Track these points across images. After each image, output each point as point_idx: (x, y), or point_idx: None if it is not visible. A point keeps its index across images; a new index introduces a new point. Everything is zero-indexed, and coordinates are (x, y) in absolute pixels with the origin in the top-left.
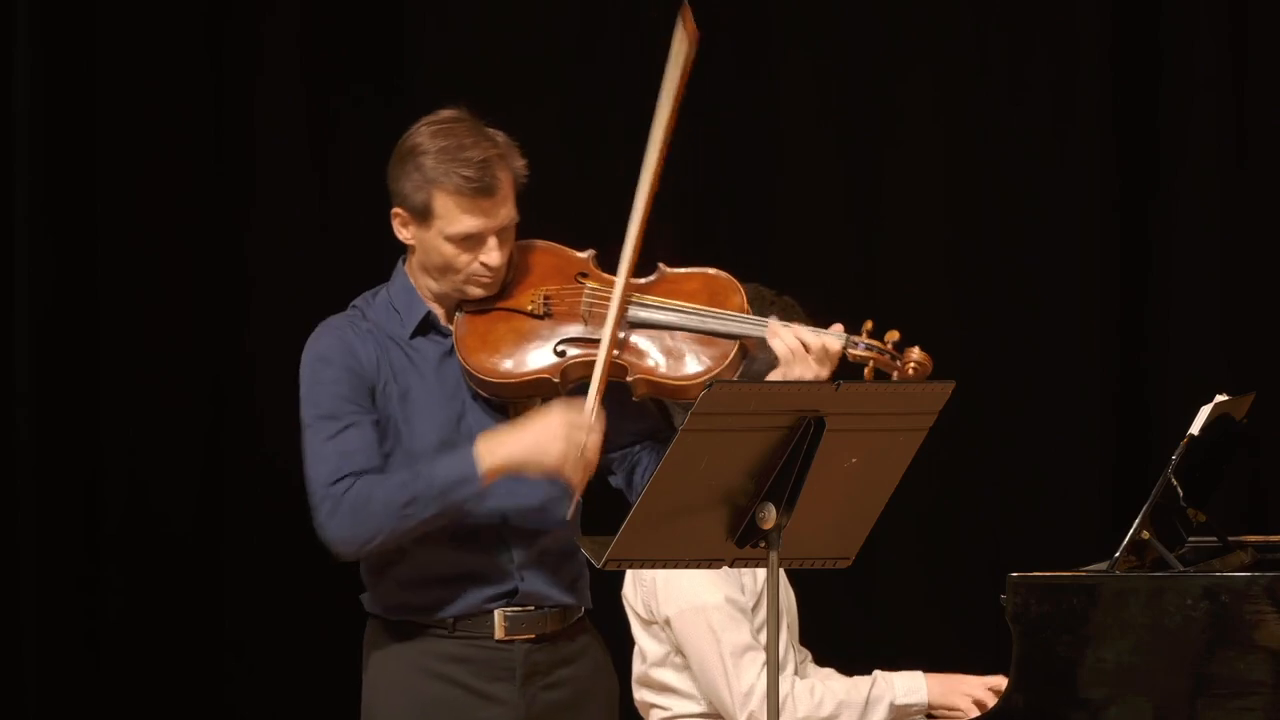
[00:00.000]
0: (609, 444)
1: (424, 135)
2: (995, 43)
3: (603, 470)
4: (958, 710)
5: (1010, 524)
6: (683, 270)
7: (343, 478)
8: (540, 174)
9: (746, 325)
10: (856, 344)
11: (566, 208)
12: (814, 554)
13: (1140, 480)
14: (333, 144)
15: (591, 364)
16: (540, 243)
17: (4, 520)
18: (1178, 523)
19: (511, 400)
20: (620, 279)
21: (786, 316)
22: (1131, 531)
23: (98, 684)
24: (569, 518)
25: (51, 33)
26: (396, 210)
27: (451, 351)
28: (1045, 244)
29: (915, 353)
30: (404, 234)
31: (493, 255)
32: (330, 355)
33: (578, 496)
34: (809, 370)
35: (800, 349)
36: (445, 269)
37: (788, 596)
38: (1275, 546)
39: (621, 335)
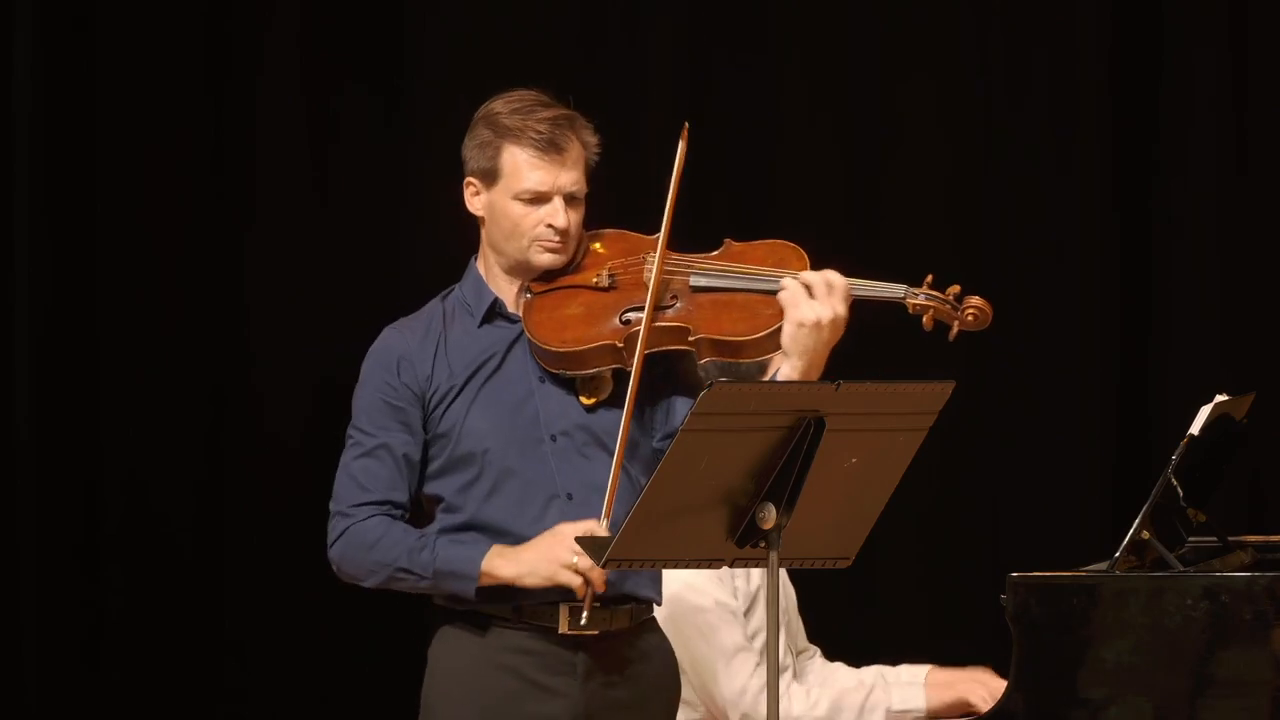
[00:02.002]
0: (662, 423)
1: (499, 103)
2: (995, 43)
3: (648, 435)
4: (963, 704)
5: (1010, 524)
6: (750, 243)
7: (362, 504)
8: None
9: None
10: (916, 294)
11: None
12: (814, 554)
13: (1140, 480)
14: (333, 144)
15: (656, 329)
16: (607, 230)
17: (4, 520)
18: (1178, 523)
19: (579, 374)
20: (659, 248)
21: None
22: (1131, 531)
23: (98, 684)
24: (583, 623)
25: (51, 33)
26: (468, 180)
27: (519, 338)
28: (1045, 244)
29: (974, 299)
30: (475, 205)
31: (559, 216)
32: (381, 363)
33: (586, 605)
34: (819, 311)
35: (801, 288)
36: (512, 232)
37: (786, 597)
38: (1275, 546)
39: (683, 304)
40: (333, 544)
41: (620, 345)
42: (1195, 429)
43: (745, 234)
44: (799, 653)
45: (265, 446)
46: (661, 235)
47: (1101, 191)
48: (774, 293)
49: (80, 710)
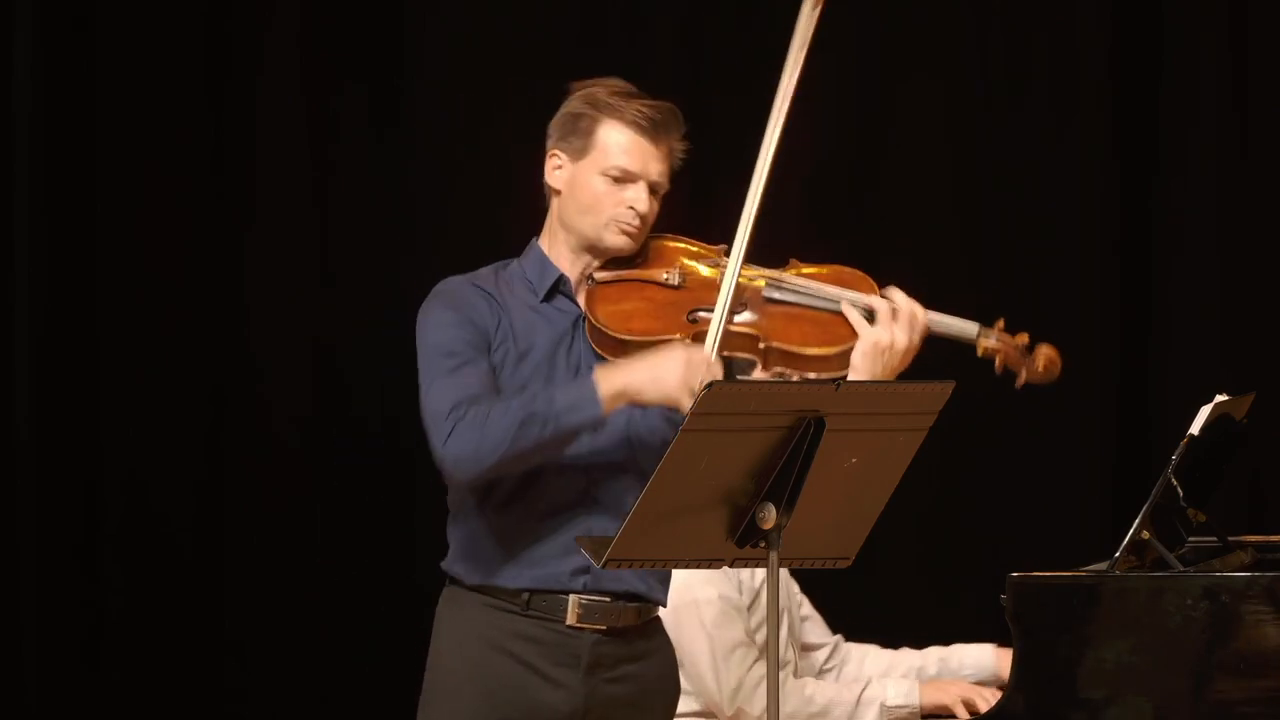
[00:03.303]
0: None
1: (597, 85)
2: (995, 43)
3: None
4: (948, 710)
5: (1010, 524)
6: (815, 265)
7: (460, 404)
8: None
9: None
10: (989, 335)
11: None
12: (814, 554)
13: (1140, 480)
14: (332, 144)
15: (727, 332)
16: (671, 236)
17: (4, 520)
18: (1178, 523)
19: None
20: (741, 238)
21: None
22: (1131, 531)
23: (98, 684)
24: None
25: (51, 33)
26: (552, 151)
27: (577, 323)
28: (1045, 244)
29: (1045, 349)
30: (555, 178)
31: (641, 200)
32: (451, 303)
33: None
34: (896, 335)
35: (890, 310)
36: (590, 208)
37: (788, 594)
38: (1275, 546)
39: (753, 312)
40: (444, 445)
41: (688, 342)
42: (1195, 429)
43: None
44: (803, 648)
45: (265, 446)
46: (744, 231)
47: (1102, 191)
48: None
49: (80, 710)
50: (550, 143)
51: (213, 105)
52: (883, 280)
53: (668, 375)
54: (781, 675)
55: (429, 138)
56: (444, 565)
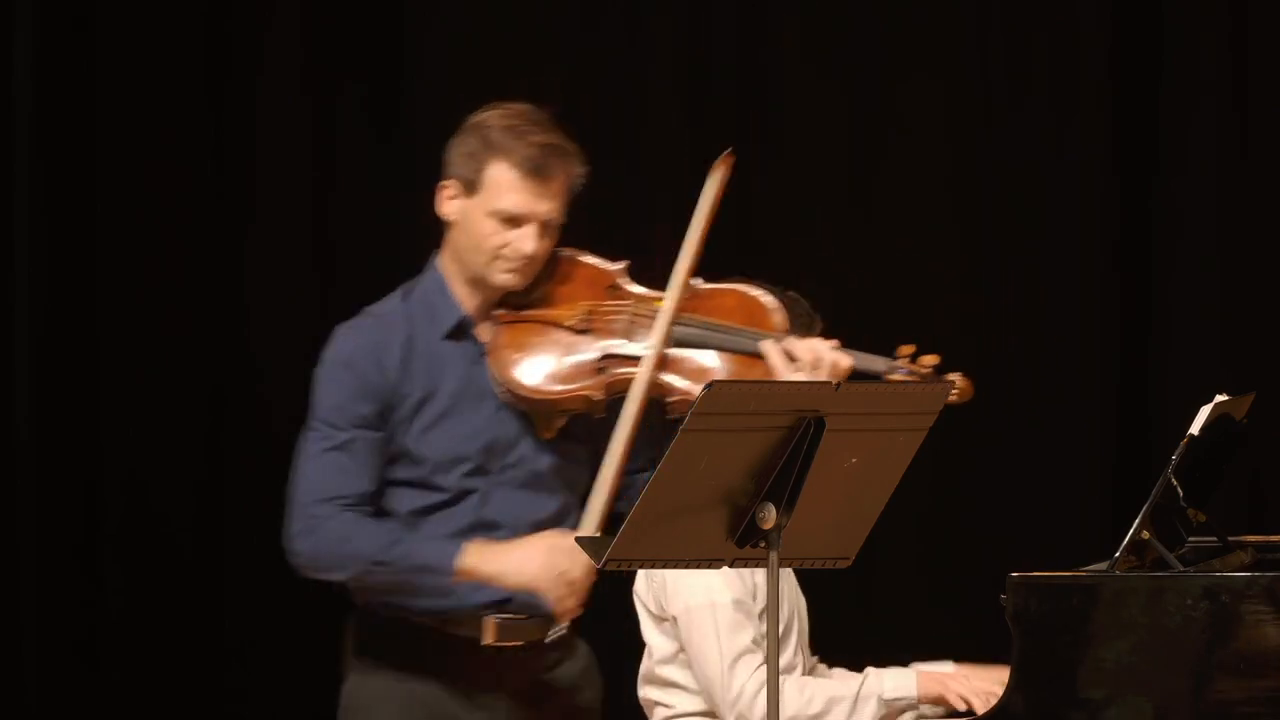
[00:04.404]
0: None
1: (493, 113)
2: (995, 42)
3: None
4: (947, 705)
5: (1010, 524)
6: (718, 285)
7: (331, 500)
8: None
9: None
10: (895, 369)
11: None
12: (814, 554)
13: (1140, 480)
14: (333, 144)
15: (631, 381)
16: (572, 253)
17: (4, 520)
18: (1178, 523)
19: (546, 414)
20: (665, 313)
21: (791, 312)
22: (1131, 531)
23: (98, 684)
24: (547, 640)
25: (51, 33)
26: (445, 182)
27: (481, 358)
28: (1046, 244)
29: (954, 376)
30: (448, 209)
31: (527, 243)
32: (352, 360)
33: (565, 619)
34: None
35: (815, 360)
36: (477, 246)
37: (799, 600)
38: (1275, 546)
39: (663, 355)
40: (297, 535)
41: (597, 396)
42: (1195, 429)
43: (748, 233)
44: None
45: (265, 446)
46: (670, 298)
47: (1102, 191)
48: (757, 354)
49: (80, 710)
50: (445, 171)
51: (213, 105)
52: (884, 280)
53: (530, 565)
54: (791, 677)
55: (429, 137)
56: (353, 596)
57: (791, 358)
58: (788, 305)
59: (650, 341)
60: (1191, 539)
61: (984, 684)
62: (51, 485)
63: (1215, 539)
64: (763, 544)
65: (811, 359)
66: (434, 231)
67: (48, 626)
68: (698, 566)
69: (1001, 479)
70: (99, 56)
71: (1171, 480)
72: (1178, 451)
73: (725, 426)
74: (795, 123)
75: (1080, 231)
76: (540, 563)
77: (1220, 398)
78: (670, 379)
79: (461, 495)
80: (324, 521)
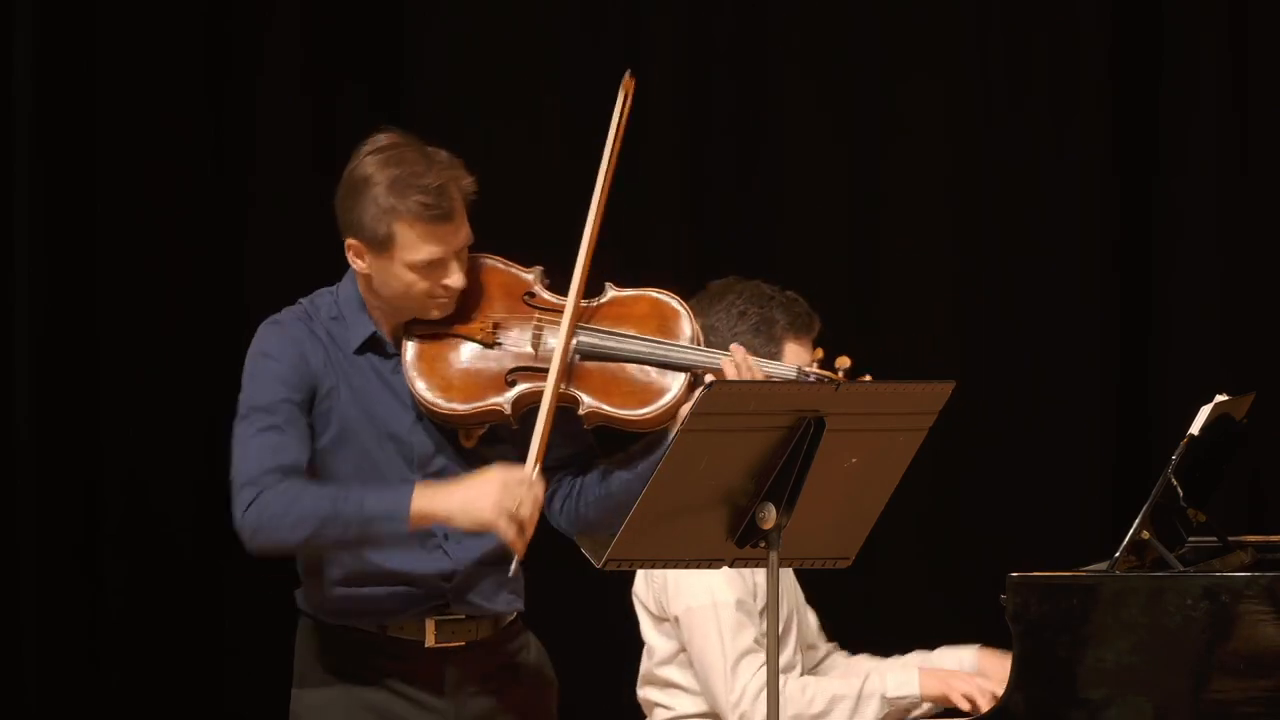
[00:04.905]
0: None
1: (372, 166)
2: (995, 42)
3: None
4: (950, 703)
5: (1010, 524)
6: (631, 292)
7: (271, 471)
8: (541, 174)
9: (700, 357)
10: (807, 374)
11: (567, 209)
12: (814, 554)
13: (1140, 480)
14: (333, 144)
15: (540, 394)
16: (486, 259)
17: (4, 520)
18: (1178, 523)
19: (463, 427)
20: (564, 326)
21: (789, 312)
22: (1131, 531)
23: (98, 684)
24: (511, 574)
25: (51, 33)
26: (351, 241)
27: (396, 370)
28: (1045, 244)
29: (866, 380)
30: (359, 264)
31: (454, 278)
32: (277, 352)
33: (519, 555)
34: None
35: (731, 368)
36: (405, 295)
37: (798, 598)
38: (1275, 546)
39: (572, 366)
40: (244, 512)
41: (507, 412)
42: (1195, 429)
43: (749, 234)
44: (809, 648)
45: None
46: (570, 299)
47: (1102, 191)
48: (667, 365)
49: (80, 710)
50: (344, 229)
51: (213, 105)
52: (884, 280)
53: (482, 501)
54: (791, 676)
55: (429, 137)
56: (297, 599)
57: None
58: (786, 306)
59: (554, 352)
60: (1191, 539)
61: (989, 684)
62: (51, 485)
63: (1215, 539)
64: (763, 544)
65: (729, 369)
66: None
67: (48, 626)
68: (698, 566)
69: (1001, 479)
70: (99, 56)
71: (1171, 480)
72: (1178, 451)
73: (725, 426)
74: (795, 123)
75: (1080, 231)
76: (492, 500)
77: (1220, 398)
78: (576, 392)
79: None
80: (267, 491)
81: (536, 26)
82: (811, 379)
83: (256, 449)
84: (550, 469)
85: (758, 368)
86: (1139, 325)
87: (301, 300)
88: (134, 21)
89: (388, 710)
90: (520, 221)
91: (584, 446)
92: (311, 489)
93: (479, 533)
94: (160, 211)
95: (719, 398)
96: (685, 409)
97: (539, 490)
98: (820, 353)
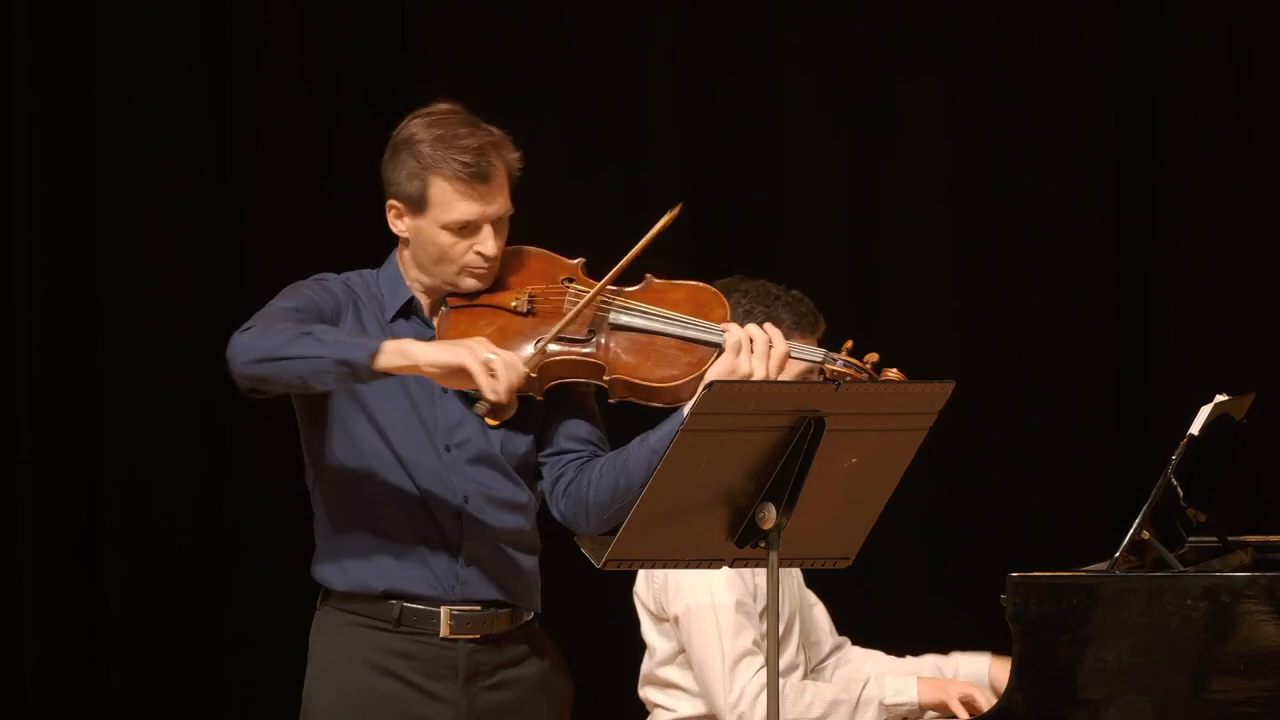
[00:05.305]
0: (546, 441)
1: (418, 126)
2: (996, 42)
3: (537, 467)
4: (948, 710)
5: (1010, 524)
6: (671, 281)
7: (284, 313)
8: (540, 174)
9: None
10: (834, 360)
11: (566, 209)
12: (814, 554)
13: (1140, 480)
14: (333, 144)
15: (571, 361)
16: (529, 248)
17: (4, 520)
18: (1178, 523)
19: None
20: (598, 286)
21: (795, 312)
22: (1131, 531)
23: (98, 684)
24: (476, 412)
25: (51, 33)
26: (391, 202)
27: (432, 338)
28: (1046, 245)
29: (892, 373)
30: (399, 226)
31: (488, 244)
32: (319, 285)
33: (487, 396)
34: (754, 366)
35: (745, 339)
36: (441, 259)
37: (802, 599)
38: (1275, 546)
39: (602, 339)
40: (237, 333)
41: (534, 375)
42: (1195, 429)
43: (749, 235)
44: (813, 644)
45: (265, 446)
46: (608, 277)
47: (1102, 190)
48: (696, 341)
49: (80, 709)
50: (386, 191)
51: (213, 105)
52: (884, 280)
53: (450, 355)
54: (793, 678)
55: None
56: (315, 575)
57: (751, 341)
58: (792, 305)
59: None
60: (1191, 539)
61: (995, 697)
62: (51, 485)
63: (1215, 539)
64: (763, 544)
65: (765, 340)
66: None
67: (48, 626)
68: (698, 566)
69: (1001, 479)
70: (99, 56)
71: (1171, 480)
72: (1178, 452)
73: (725, 426)
74: (795, 123)
75: (1080, 231)
76: (467, 348)
77: (1220, 398)
78: (604, 361)
79: (406, 462)
80: (260, 318)
81: (537, 26)
82: (839, 364)
83: (274, 308)
84: (557, 453)
85: (782, 343)
86: (1139, 325)
87: (341, 275)
88: (134, 21)
89: (399, 700)
90: (520, 221)
91: (590, 433)
92: (297, 328)
93: (458, 389)
94: (160, 211)
95: (719, 398)
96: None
97: (520, 368)
98: (850, 343)
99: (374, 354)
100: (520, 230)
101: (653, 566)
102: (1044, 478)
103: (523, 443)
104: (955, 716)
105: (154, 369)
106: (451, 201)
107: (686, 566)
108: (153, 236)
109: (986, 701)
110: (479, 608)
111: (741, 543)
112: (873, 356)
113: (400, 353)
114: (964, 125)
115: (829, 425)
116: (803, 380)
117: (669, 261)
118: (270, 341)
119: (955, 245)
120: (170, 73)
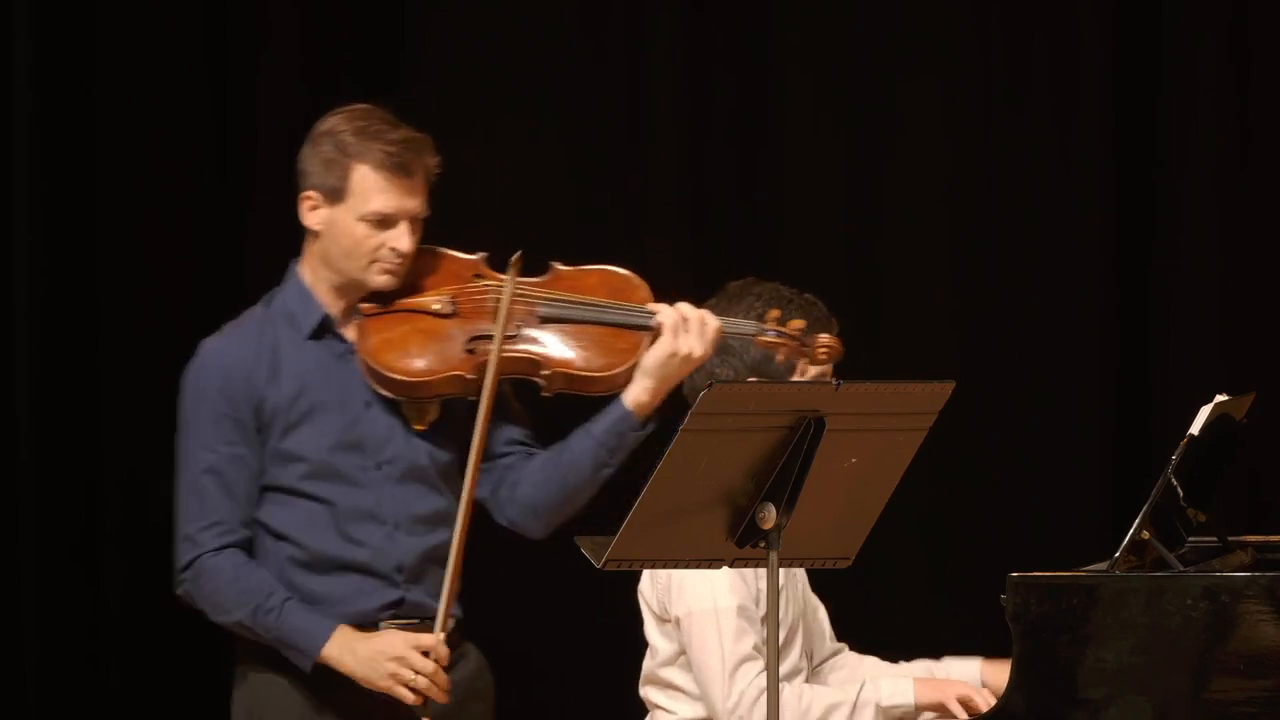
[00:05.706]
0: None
1: (339, 119)
2: (996, 42)
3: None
4: (946, 711)
5: (1010, 524)
6: (578, 267)
7: (209, 527)
8: (540, 174)
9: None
10: (765, 331)
11: (565, 209)
12: (814, 554)
13: (1140, 480)
14: None
15: (508, 359)
16: (432, 248)
17: (4, 520)
18: (1178, 523)
19: (419, 401)
20: (505, 296)
21: (807, 314)
22: (1131, 531)
23: (98, 684)
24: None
25: (51, 33)
26: (306, 193)
27: (348, 355)
28: (1046, 245)
29: (824, 338)
30: (312, 219)
31: (404, 240)
32: (209, 383)
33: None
34: (692, 345)
35: (679, 320)
36: (351, 252)
37: (806, 603)
38: (1275, 546)
39: (531, 333)
40: (182, 571)
41: (470, 376)
42: (1195, 429)
43: (749, 235)
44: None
45: None
46: (511, 268)
47: (1102, 190)
48: (627, 325)
49: (80, 710)
50: (303, 182)
51: (213, 105)
52: (883, 280)
53: (380, 669)
54: (793, 683)
55: (429, 137)
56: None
57: (685, 321)
58: (805, 308)
59: (502, 320)
60: (1191, 539)
61: (991, 696)
62: (51, 485)
63: (1215, 539)
64: (763, 544)
65: (699, 319)
66: (431, 230)
67: (48, 626)
68: (698, 566)
69: (1001, 479)
70: (99, 56)
71: (1171, 480)
72: (1178, 452)
73: (725, 426)
74: (795, 123)
75: (1080, 231)
76: (390, 670)
77: (1220, 398)
78: (539, 355)
79: (335, 493)
80: (205, 557)
81: (537, 26)
82: (771, 334)
83: (195, 494)
84: (491, 458)
85: (713, 319)
86: (1139, 325)
87: (254, 307)
88: (134, 21)
89: (338, 711)
90: (520, 221)
91: (523, 426)
92: (243, 582)
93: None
94: (161, 211)
95: (719, 398)
96: (645, 361)
97: (442, 652)
98: (778, 312)
99: (308, 665)
100: (520, 230)
101: (652, 566)
102: (1044, 478)
103: (451, 448)
104: (953, 717)
105: (154, 369)
106: (371, 192)
107: (686, 566)
108: (153, 236)
109: (985, 701)
110: (417, 620)
111: (741, 543)
112: (798, 323)
113: (334, 661)
114: (964, 125)
115: (829, 425)
116: (793, 379)
117: (669, 261)
118: (214, 615)
119: (955, 245)
120: (170, 73)
